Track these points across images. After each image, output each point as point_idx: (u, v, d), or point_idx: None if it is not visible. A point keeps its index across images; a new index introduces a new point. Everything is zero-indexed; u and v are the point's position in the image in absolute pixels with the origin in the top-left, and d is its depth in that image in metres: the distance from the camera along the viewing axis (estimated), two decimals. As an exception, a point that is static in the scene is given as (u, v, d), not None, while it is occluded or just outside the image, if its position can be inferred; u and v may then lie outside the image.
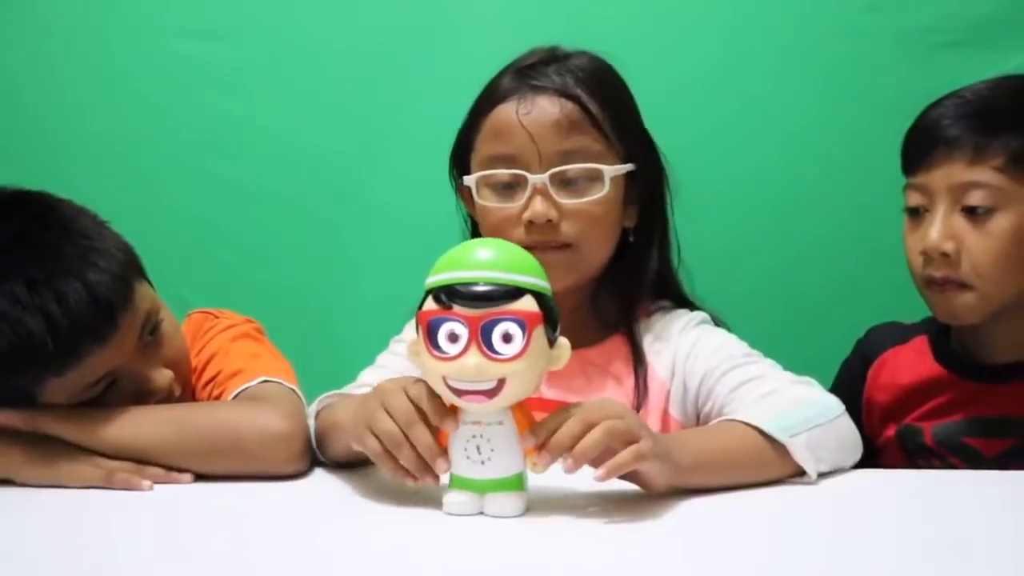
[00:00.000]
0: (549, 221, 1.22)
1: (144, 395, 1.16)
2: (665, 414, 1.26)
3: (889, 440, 1.35)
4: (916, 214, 1.27)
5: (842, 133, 1.79)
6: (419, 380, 0.96)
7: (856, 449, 1.15)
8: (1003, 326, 1.28)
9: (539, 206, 1.22)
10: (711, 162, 1.74)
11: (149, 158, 1.93)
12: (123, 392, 1.15)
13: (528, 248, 1.20)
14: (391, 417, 0.95)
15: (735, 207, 1.81)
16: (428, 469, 0.94)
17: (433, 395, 0.94)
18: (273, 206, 1.92)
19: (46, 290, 1.07)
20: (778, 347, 1.29)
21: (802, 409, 1.11)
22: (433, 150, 1.89)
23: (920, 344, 1.37)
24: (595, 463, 0.92)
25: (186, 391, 1.23)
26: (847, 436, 1.14)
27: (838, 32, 1.81)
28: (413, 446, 0.94)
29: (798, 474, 1.07)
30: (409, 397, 0.95)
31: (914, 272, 1.28)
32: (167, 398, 1.18)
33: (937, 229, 1.23)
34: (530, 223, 1.22)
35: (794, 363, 1.27)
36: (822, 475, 1.08)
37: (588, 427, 0.92)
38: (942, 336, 1.35)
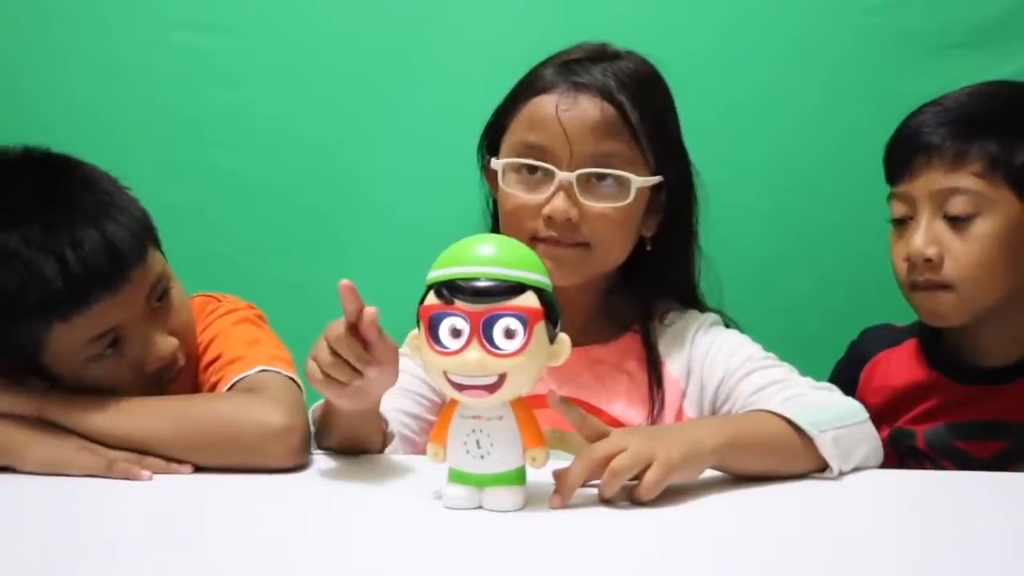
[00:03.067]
0: (569, 220, 1.22)
1: (148, 360, 1.16)
2: (680, 412, 1.28)
3: (882, 442, 1.35)
4: (901, 222, 1.29)
5: (841, 135, 1.80)
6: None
7: (878, 454, 1.16)
8: (992, 330, 1.29)
9: (560, 203, 1.22)
10: (708, 161, 1.74)
11: (146, 150, 1.92)
12: (128, 354, 1.15)
13: (543, 241, 1.21)
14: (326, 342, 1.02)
15: (732, 207, 1.80)
16: (357, 373, 1.01)
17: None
18: (271, 199, 1.92)
19: (63, 234, 1.09)
20: (771, 347, 1.30)
21: (830, 410, 1.13)
22: (433, 145, 1.90)
23: (912, 347, 1.38)
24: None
25: (190, 364, 1.23)
26: (872, 440, 1.15)
27: (838, 34, 1.81)
28: (345, 360, 1.00)
29: (820, 470, 1.08)
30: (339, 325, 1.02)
31: (899, 278, 1.29)
32: (171, 366, 1.19)
33: (920, 236, 1.24)
34: (550, 218, 1.22)
35: (786, 362, 1.28)
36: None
37: (597, 464, 0.96)
38: (933, 339, 1.36)
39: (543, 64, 1.28)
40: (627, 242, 1.28)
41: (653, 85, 1.28)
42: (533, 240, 1.23)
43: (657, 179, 1.26)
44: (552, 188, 1.22)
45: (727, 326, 1.33)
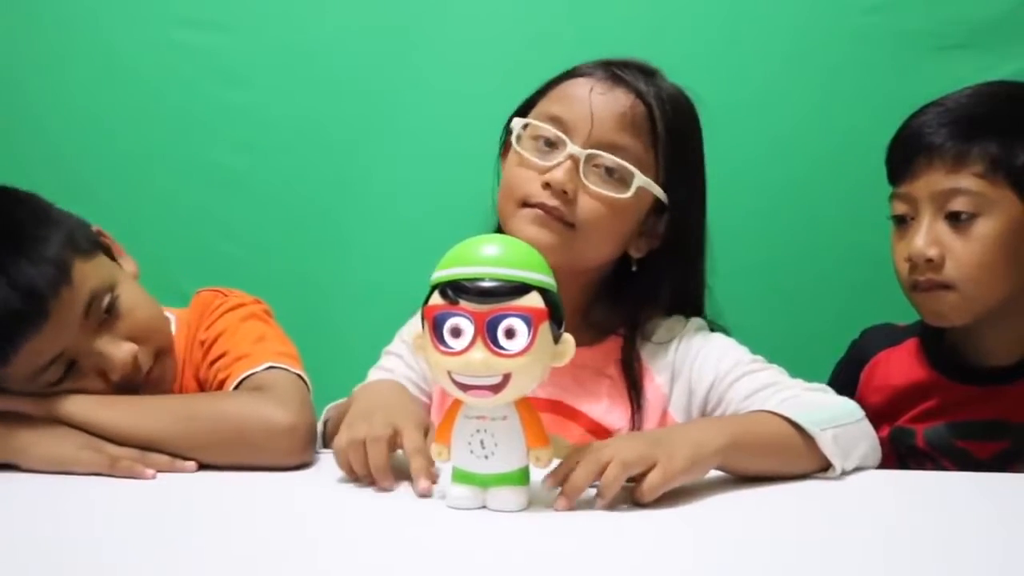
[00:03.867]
0: (565, 193, 1.22)
1: (108, 371, 1.15)
2: (664, 417, 1.27)
3: (882, 441, 1.34)
4: (903, 222, 1.29)
5: (841, 135, 1.80)
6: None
7: (877, 452, 1.16)
8: (993, 330, 1.29)
9: (562, 174, 1.22)
10: (707, 161, 1.75)
11: (148, 148, 1.93)
12: (85, 370, 1.14)
13: (533, 207, 1.21)
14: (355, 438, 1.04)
15: (731, 206, 1.81)
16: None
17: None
18: (274, 197, 1.92)
19: None
20: (770, 347, 1.30)
21: (826, 409, 1.14)
22: (435, 144, 1.90)
23: (913, 346, 1.38)
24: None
25: (164, 361, 1.22)
26: (870, 438, 1.15)
27: (837, 34, 1.82)
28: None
29: (822, 469, 1.09)
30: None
31: (901, 278, 1.29)
32: (136, 371, 1.17)
33: (922, 236, 1.25)
34: (547, 185, 1.22)
35: (786, 363, 1.28)
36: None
37: (602, 467, 0.96)
38: (934, 339, 1.36)
39: (582, 64, 1.29)
40: (611, 241, 1.27)
41: (686, 114, 1.29)
42: (523, 205, 1.23)
43: (660, 192, 1.25)
44: (560, 158, 1.23)
45: (712, 330, 1.33)
